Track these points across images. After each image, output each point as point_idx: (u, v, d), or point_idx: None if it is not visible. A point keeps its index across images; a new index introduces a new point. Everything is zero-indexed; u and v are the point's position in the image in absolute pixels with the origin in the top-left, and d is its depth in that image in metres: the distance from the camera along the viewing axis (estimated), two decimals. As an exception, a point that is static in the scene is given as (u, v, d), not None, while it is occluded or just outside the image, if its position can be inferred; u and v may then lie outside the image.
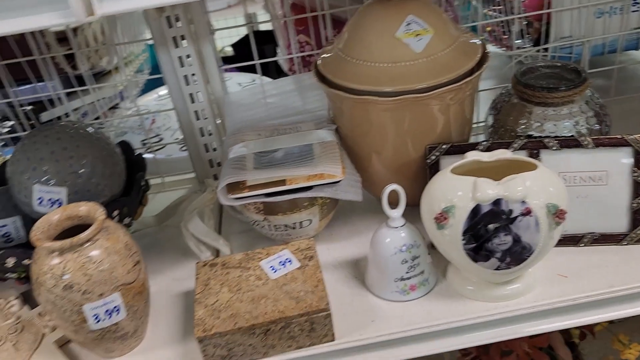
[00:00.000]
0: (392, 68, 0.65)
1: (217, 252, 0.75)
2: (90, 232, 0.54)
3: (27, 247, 0.63)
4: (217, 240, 0.73)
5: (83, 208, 0.58)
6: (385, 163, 0.72)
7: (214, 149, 0.88)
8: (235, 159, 0.70)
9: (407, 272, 0.63)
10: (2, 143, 0.99)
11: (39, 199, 0.64)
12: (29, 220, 0.70)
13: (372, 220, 0.77)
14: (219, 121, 0.87)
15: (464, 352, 0.80)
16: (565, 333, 0.85)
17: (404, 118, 0.67)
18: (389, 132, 0.69)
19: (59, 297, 0.54)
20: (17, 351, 0.62)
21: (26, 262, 0.64)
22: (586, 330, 0.85)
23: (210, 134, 0.87)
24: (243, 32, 1.82)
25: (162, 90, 1.19)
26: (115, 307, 0.56)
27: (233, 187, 0.67)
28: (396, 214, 0.62)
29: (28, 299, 0.72)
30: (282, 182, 0.66)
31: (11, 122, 0.91)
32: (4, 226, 0.69)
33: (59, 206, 0.65)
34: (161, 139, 1.07)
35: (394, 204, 0.62)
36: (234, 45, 1.51)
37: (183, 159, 0.96)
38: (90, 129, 0.69)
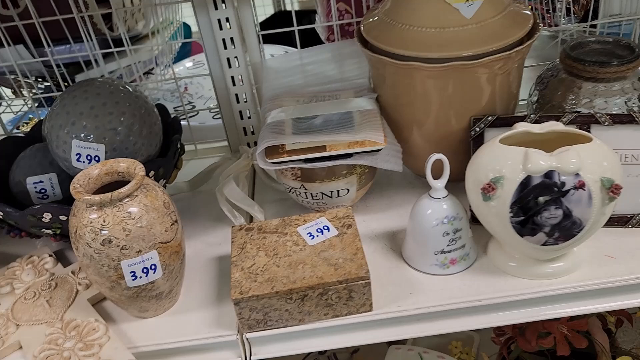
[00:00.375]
0: (440, 33, 0.63)
1: (250, 219, 0.74)
2: (131, 187, 0.53)
3: (63, 204, 0.63)
4: (252, 207, 0.72)
5: (123, 164, 0.57)
6: (427, 135, 0.70)
7: (249, 117, 0.87)
8: (273, 124, 0.69)
9: (448, 245, 0.61)
10: (37, 103, 0.99)
11: (77, 154, 0.63)
12: (65, 177, 0.70)
13: (408, 194, 0.76)
14: (254, 89, 0.86)
15: (499, 331, 0.78)
16: (602, 319, 0.82)
17: (449, 87, 0.65)
18: (433, 101, 0.67)
19: (98, 251, 0.53)
20: (50, 307, 0.62)
21: (62, 218, 0.64)
22: (623, 317, 0.82)
23: (245, 101, 0.85)
24: (270, 11, 1.81)
25: (189, 63, 1.18)
26: (152, 265, 0.55)
27: (272, 152, 0.65)
28: (439, 184, 0.60)
29: (61, 257, 0.72)
30: (322, 148, 0.65)
31: (47, 83, 0.91)
32: (39, 182, 0.69)
33: (97, 162, 0.64)
34: (193, 107, 1.05)
35: (436, 175, 0.60)
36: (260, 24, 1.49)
37: (216, 127, 0.95)
38: (129, 87, 0.68)
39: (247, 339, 0.59)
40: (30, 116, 1.13)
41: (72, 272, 0.67)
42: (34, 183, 0.69)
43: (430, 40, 0.63)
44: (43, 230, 0.66)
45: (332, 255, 0.59)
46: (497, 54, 0.63)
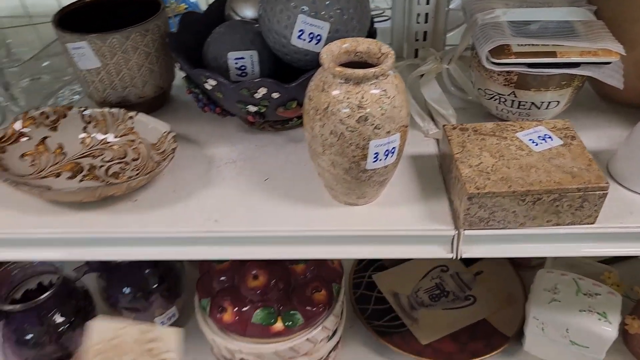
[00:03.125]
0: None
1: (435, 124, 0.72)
2: (387, 66, 0.51)
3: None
4: (448, 109, 0.70)
5: (363, 45, 0.55)
6: (644, 55, 0.66)
7: (426, 21, 0.83)
8: (491, 25, 0.66)
9: (676, 168, 0.59)
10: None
11: (301, 31, 0.61)
12: (265, 56, 0.68)
13: (599, 119, 0.73)
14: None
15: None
16: None
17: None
18: (667, 19, 0.63)
19: (350, 129, 0.52)
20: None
21: (274, 95, 0.63)
22: None
23: (427, 3, 0.81)
24: None
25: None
26: (393, 148, 0.54)
27: (497, 52, 0.63)
28: (683, 103, 0.58)
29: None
30: (553, 53, 0.62)
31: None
32: (241, 58, 0.67)
33: (317, 43, 0.62)
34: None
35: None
36: None
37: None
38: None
39: (463, 235, 0.59)
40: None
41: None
42: (236, 59, 0.67)
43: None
44: (248, 106, 0.65)
45: (564, 164, 0.57)
46: None
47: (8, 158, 0.67)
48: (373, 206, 0.62)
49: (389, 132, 0.53)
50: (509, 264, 1.01)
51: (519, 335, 0.89)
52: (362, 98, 0.51)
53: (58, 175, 0.68)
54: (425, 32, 0.85)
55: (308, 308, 0.77)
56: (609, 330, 0.76)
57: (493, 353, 0.87)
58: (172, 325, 0.93)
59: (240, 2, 0.75)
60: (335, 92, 0.52)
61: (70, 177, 0.67)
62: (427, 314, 0.95)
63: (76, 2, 0.75)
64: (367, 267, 1.03)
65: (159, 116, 0.71)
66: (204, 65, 0.69)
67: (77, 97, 0.81)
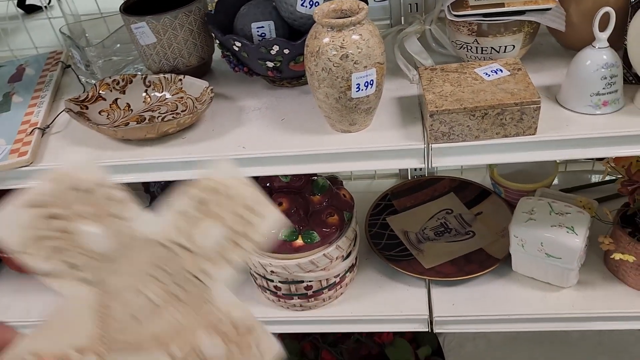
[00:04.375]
0: None
1: (420, 73, 0.89)
2: (362, 15, 0.70)
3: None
4: (427, 59, 0.88)
5: (347, 4, 0.74)
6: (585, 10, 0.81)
7: (416, -6, 1.00)
8: (455, -13, 0.83)
9: (604, 89, 0.74)
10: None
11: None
12: (279, 25, 0.87)
13: (558, 61, 0.88)
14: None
15: (628, 183, 0.90)
16: None
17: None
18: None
19: (336, 64, 0.70)
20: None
21: (285, 51, 0.82)
22: None
23: (418, -23, 0.99)
24: None
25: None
26: (371, 80, 0.72)
27: (457, 6, 0.79)
28: (604, 35, 0.73)
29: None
30: (501, 4, 0.78)
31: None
32: (261, 27, 0.87)
33: (316, 6, 0.81)
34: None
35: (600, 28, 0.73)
36: None
37: (375, 9, 1.09)
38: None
39: (431, 149, 0.75)
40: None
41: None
42: (257, 28, 0.87)
43: None
44: (266, 62, 0.84)
45: (507, 87, 0.73)
46: None
47: (90, 113, 0.90)
48: (363, 132, 0.80)
49: (365, 66, 0.71)
50: (505, 205, 1.16)
51: (508, 259, 1.03)
52: (344, 41, 0.69)
53: (127, 124, 0.89)
54: (417, 4, 1.02)
55: (323, 229, 0.95)
56: (577, 241, 0.90)
57: (485, 271, 1.02)
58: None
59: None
60: (324, 39, 0.71)
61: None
62: (432, 246, 1.11)
63: (136, -5, 0.97)
64: (382, 212, 1.20)
65: (205, 79, 0.92)
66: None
67: (138, 72, 1.03)
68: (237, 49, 0.85)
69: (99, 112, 0.91)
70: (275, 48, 0.82)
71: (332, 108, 0.76)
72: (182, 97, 0.92)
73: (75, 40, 1.02)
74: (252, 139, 0.82)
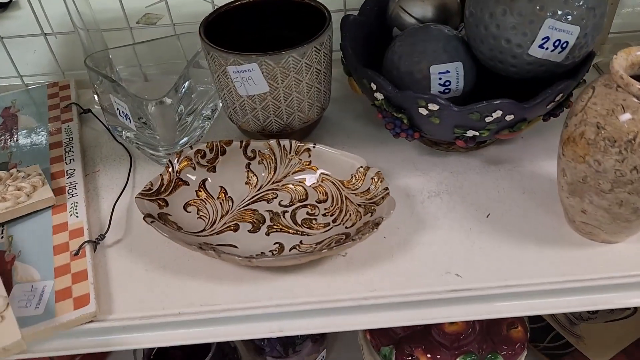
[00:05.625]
0: None
1: None
2: None
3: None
4: None
5: (655, 52, 0.45)
6: None
7: None
8: None
9: None
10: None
11: (545, 38, 0.50)
12: (468, 67, 0.57)
13: None
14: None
15: None
16: None
17: None
18: None
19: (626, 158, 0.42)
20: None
21: (508, 118, 0.52)
22: None
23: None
24: None
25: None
26: None
27: None
28: None
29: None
30: None
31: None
32: (446, 72, 0.56)
33: (560, 52, 0.51)
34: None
35: None
36: None
37: None
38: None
39: None
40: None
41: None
42: (440, 73, 0.56)
43: None
44: (468, 132, 0.54)
45: None
46: None
47: (174, 212, 0.56)
48: (630, 243, 0.52)
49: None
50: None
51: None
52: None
53: (236, 228, 0.56)
54: None
55: (506, 347, 0.67)
56: None
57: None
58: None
59: (412, 0, 0.64)
60: (612, 109, 0.42)
61: (252, 230, 0.56)
62: (589, 328, 0.87)
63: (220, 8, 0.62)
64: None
65: (312, 140, 0.60)
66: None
67: (207, 123, 0.69)
68: (425, 112, 0.53)
69: (184, 208, 0.57)
70: (497, 114, 0.51)
71: (619, 219, 0.47)
72: (316, 180, 0.60)
73: (102, 70, 0.66)
74: (458, 255, 0.52)
